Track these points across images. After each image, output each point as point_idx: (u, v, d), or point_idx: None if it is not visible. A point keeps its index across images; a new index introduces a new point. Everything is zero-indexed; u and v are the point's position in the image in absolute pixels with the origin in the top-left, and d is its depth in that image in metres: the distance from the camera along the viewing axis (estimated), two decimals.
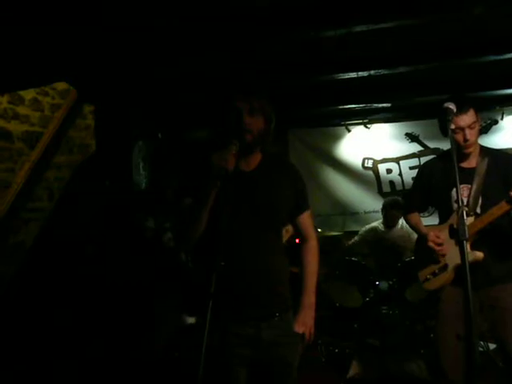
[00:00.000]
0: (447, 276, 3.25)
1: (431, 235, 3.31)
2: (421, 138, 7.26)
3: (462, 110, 3.10)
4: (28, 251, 5.20)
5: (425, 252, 3.39)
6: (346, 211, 7.57)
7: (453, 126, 3.09)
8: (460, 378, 3.16)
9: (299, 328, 2.64)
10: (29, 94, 5.40)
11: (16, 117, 5.26)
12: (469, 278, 2.31)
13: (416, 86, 5.76)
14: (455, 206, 3.21)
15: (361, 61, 4.80)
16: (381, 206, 6.34)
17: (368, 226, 6.44)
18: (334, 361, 5.14)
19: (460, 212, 2.46)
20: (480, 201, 3.19)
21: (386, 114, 7.11)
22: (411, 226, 3.69)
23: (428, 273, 3.37)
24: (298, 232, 2.81)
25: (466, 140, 3.15)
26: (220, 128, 2.59)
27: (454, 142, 3.09)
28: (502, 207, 3.00)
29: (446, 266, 3.27)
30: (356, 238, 6.51)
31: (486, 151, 3.31)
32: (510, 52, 4.49)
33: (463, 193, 3.20)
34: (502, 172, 3.22)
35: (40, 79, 4.63)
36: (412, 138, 7.29)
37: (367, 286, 5.41)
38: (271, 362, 2.54)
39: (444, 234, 3.30)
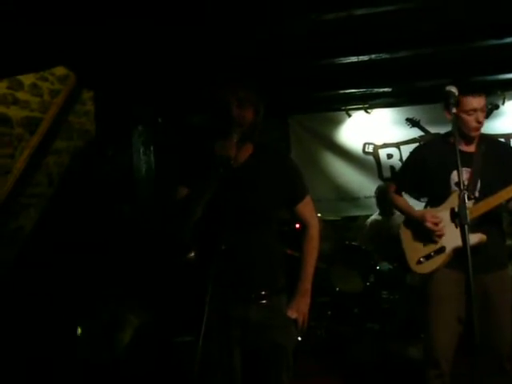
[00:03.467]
0: (444, 258, 3.24)
1: (428, 216, 3.28)
2: (422, 123, 7.23)
3: (476, 92, 3.16)
4: (27, 236, 5.20)
5: (417, 235, 3.37)
6: (346, 196, 7.56)
7: (467, 108, 3.13)
8: (450, 370, 3.20)
9: (292, 313, 2.67)
10: (28, 80, 5.37)
11: (15, 102, 5.24)
12: (470, 262, 2.33)
13: (417, 71, 5.74)
14: (455, 188, 3.22)
15: (361, 45, 4.77)
16: None
17: (367, 224, 6.44)
18: (335, 345, 5.17)
19: (461, 196, 2.48)
20: (478, 185, 3.20)
21: (386, 99, 7.10)
22: (398, 208, 3.62)
23: (421, 255, 3.33)
24: (298, 220, 2.82)
25: (478, 122, 3.17)
26: (210, 119, 2.60)
27: (462, 124, 3.17)
28: (509, 191, 3.06)
29: (443, 249, 3.25)
30: (361, 237, 6.49)
31: (485, 137, 3.34)
32: (510, 36, 4.46)
33: (464, 176, 3.11)
34: (500, 159, 3.26)
35: (39, 64, 4.60)
36: (413, 123, 7.27)
37: (368, 270, 5.42)
38: (261, 343, 2.57)
39: (441, 216, 3.28)
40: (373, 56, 4.84)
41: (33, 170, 5.27)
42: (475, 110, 3.15)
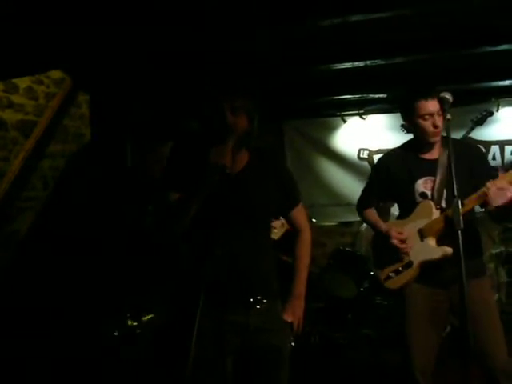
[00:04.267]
0: (411, 273, 3.12)
1: (393, 232, 3.17)
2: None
3: (429, 95, 3.02)
4: (22, 240, 5.19)
5: (384, 249, 3.25)
6: (341, 202, 7.55)
7: (421, 112, 3.02)
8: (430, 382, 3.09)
9: (288, 317, 2.68)
10: (23, 83, 5.36)
11: (10, 105, 5.23)
12: (464, 268, 2.33)
13: (412, 77, 5.75)
14: (419, 199, 3.10)
15: (357, 51, 4.79)
16: None
17: (362, 230, 6.45)
18: (328, 351, 5.16)
19: (455, 202, 2.44)
20: (444, 194, 3.06)
21: (381, 105, 7.11)
22: (368, 223, 3.53)
23: (390, 271, 3.23)
24: (291, 225, 2.85)
25: (436, 126, 3.02)
26: (204, 127, 2.60)
27: (419, 131, 3.09)
28: (472, 200, 2.86)
29: (410, 263, 3.13)
30: (358, 243, 6.51)
31: (447, 141, 3.05)
32: (505, 43, 4.49)
33: (427, 185, 3.09)
34: (466, 163, 3.04)
35: (35, 67, 4.60)
36: (408, 129, 7.18)
37: (362, 276, 5.42)
38: (259, 348, 2.57)
39: (407, 230, 3.15)
40: (368, 62, 4.86)
41: (28, 173, 5.26)
42: (431, 115, 3.01)
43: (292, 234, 2.87)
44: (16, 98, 5.30)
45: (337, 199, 7.58)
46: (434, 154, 3.15)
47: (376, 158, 7.45)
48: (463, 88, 5.87)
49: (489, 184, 2.77)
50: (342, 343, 5.15)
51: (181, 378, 2.18)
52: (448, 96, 2.75)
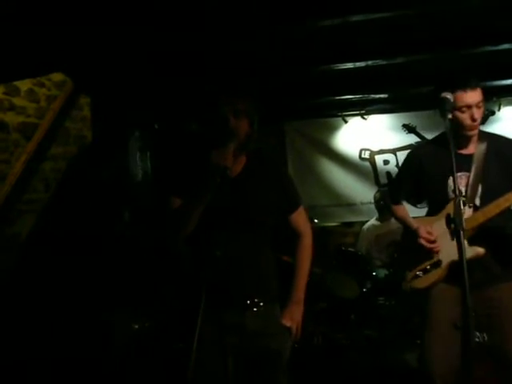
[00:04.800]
0: (440, 273, 2.98)
1: (422, 231, 3.04)
2: (418, 130, 7.24)
3: (469, 86, 2.86)
4: (24, 242, 5.19)
5: (414, 247, 3.10)
6: (342, 202, 7.56)
7: (459, 104, 2.83)
8: None
9: (286, 321, 2.67)
10: (25, 85, 5.36)
11: (12, 108, 5.23)
12: (466, 271, 2.24)
13: (413, 77, 5.75)
14: (452, 195, 2.89)
15: (358, 51, 4.78)
16: None
17: (364, 230, 6.45)
18: (331, 352, 5.15)
19: (456, 202, 2.34)
20: (479, 190, 2.91)
21: (383, 105, 7.11)
22: (398, 219, 3.39)
23: (418, 269, 3.08)
24: (292, 229, 2.82)
25: (473, 119, 2.86)
26: (206, 129, 2.60)
27: (456, 124, 2.87)
28: (509, 199, 2.74)
29: (439, 262, 3.00)
30: (358, 242, 6.51)
31: (486, 136, 3.03)
32: (506, 43, 4.48)
33: (461, 181, 2.91)
34: (504, 158, 2.94)
35: (36, 70, 4.60)
36: (409, 129, 7.27)
37: (364, 276, 5.42)
38: (256, 350, 2.57)
39: (437, 228, 3.03)
40: (369, 62, 4.85)
41: (29, 175, 5.26)
42: (469, 107, 2.85)
43: (294, 234, 2.85)
44: (17, 101, 5.30)
45: (338, 200, 7.57)
46: (470, 148, 2.99)
47: (377, 158, 7.46)
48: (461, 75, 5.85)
49: None
50: (344, 344, 5.14)
51: (183, 380, 2.18)
52: (449, 96, 2.68)
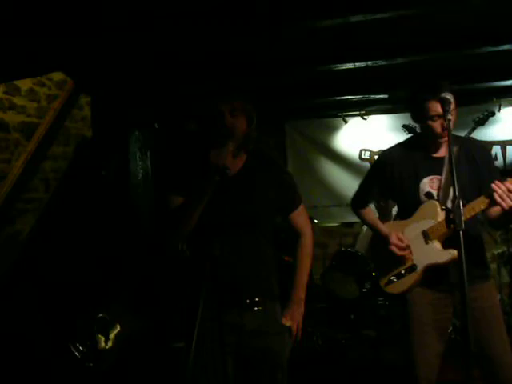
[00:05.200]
0: (415, 277, 2.95)
1: (393, 238, 3.00)
2: (418, 130, 7.21)
3: (441, 95, 2.78)
4: (24, 242, 5.20)
5: (386, 253, 3.04)
6: (342, 202, 7.53)
7: (430, 113, 2.82)
8: None
9: (286, 322, 2.67)
10: (25, 85, 5.37)
11: (12, 107, 5.24)
12: (465, 269, 2.25)
13: (414, 78, 5.75)
14: (424, 198, 2.92)
15: (358, 51, 4.78)
16: None
17: (364, 230, 6.45)
18: (331, 351, 5.16)
19: (456, 202, 2.36)
20: (451, 194, 2.80)
21: (383, 106, 7.11)
22: (367, 224, 3.36)
23: (391, 275, 3.05)
24: (292, 229, 2.81)
25: (444, 128, 2.78)
26: (204, 129, 2.60)
27: (428, 131, 2.90)
28: (482, 201, 2.68)
29: (414, 267, 2.95)
30: (358, 243, 6.52)
31: (458, 139, 2.97)
32: (506, 43, 4.48)
33: (433, 185, 2.92)
34: (473, 161, 2.92)
35: (36, 69, 4.61)
36: (409, 129, 7.26)
37: (364, 277, 5.42)
38: (255, 350, 2.57)
39: (409, 232, 2.99)
40: (369, 63, 4.86)
41: (29, 175, 5.27)
42: (440, 116, 2.79)
43: (295, 234, 2.85)
44: (18, 100, 5.32)
45: (338, 200, 7.57)
46: (441, 151, 2.97)
47: None
48: (465, 88, 5.86)
49: (494, 185, 2.61)
50: (344, 344, 5.15)
51: (182, 379, 2.18)
52: (449, 96, 2.69)
